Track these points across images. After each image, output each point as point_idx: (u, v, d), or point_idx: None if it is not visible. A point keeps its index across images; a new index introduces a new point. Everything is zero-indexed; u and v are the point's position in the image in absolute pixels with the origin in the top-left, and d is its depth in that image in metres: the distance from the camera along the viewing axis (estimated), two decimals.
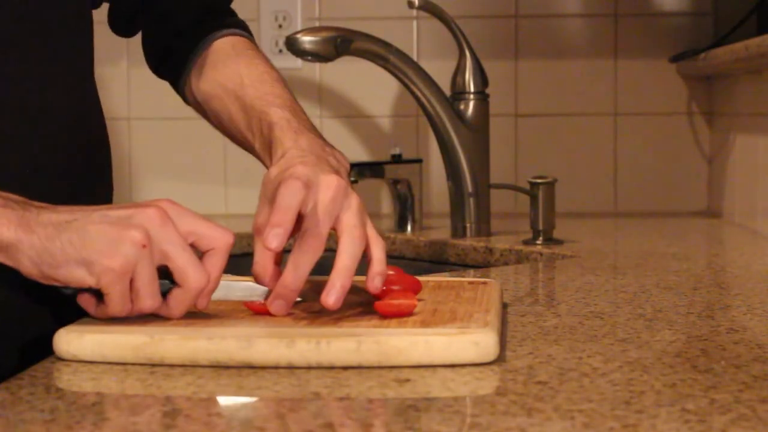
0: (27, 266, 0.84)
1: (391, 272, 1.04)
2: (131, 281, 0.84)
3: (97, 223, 0.84)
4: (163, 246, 0.85)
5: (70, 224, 0.84)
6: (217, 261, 0.88)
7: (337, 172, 0.96)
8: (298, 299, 0.94)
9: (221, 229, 0.88)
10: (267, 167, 1.05)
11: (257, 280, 0.96)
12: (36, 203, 0.86)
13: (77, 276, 0.84)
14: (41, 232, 0.83)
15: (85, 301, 0.87)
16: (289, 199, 0.91)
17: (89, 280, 0.84)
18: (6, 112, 0.95)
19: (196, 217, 0.88)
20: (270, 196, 0.95)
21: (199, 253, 0.89)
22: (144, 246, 0.83)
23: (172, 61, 1.20)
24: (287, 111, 1.06)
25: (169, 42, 1.19)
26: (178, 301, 0.87)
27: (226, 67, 1.15)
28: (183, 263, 0.85)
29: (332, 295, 0.90)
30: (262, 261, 0.95)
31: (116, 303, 0.85)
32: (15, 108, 0.96)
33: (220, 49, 1.17)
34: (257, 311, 0.94)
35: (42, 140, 0.98)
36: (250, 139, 1.09)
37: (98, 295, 0.86)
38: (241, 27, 1.22)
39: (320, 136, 1.06)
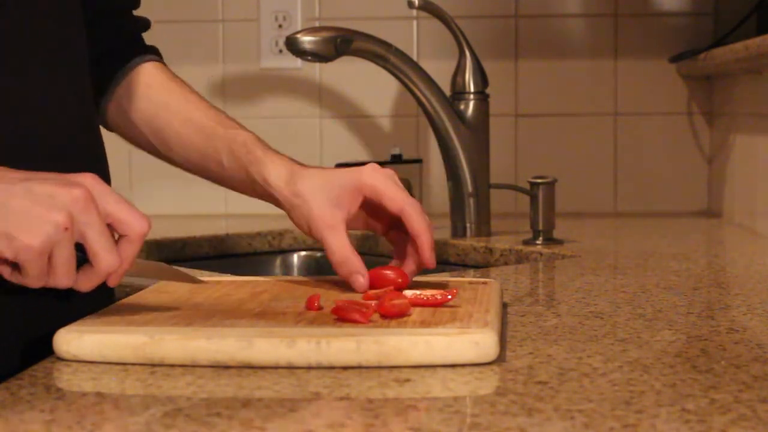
0: None
1: (389, 272, 1.04)
2: (49, 258, 0.85)
3: (20, 198, 0.83)
4: (82, 228, 0.85)
5: None
6: (130, 247, 0.89)
7: None
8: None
9: (139, 216, 0.89)
10: (230, 178, 1.15)
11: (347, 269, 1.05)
12: None
13: None
14: None
15: (1, 266, 0.86)
16: (426, 222, 1.06)
17: (7, 253, 0.83)
18: (7, 114, 0.96)
19: (117, 199, 0.88)
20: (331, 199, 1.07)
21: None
22: (66, 229, 0.83)
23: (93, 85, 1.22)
24: (248, 132, 1.15)
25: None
26: (88, 279, 0.88)
27: (163, 89, 1.20)
28: (98, 248, 0.86)
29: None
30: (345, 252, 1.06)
31: (32, 277, 0.85)
32: (15, 110, 0.96)
33: (149, 73, 1.21)
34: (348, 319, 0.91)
35: (41, 134, 0.99)
36: (213, 155, 1.15)
37: (13, 263, 0.86)
38: (156, 53, 1.25)
39: None
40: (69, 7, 1.05)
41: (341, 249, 1.05)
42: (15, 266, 0.86)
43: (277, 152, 1.13)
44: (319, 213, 1.07)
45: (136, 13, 1.25)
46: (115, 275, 0.89)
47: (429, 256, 1.05)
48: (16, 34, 0.97)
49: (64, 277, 0.85)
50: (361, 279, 1.04)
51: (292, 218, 1.10)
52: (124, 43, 1.22)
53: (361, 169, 1.08)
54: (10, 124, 0.96)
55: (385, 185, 1.07)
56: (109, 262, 0.86)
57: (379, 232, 1.12)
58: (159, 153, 1.21)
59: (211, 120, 1.17)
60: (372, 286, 1.04)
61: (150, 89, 1.19)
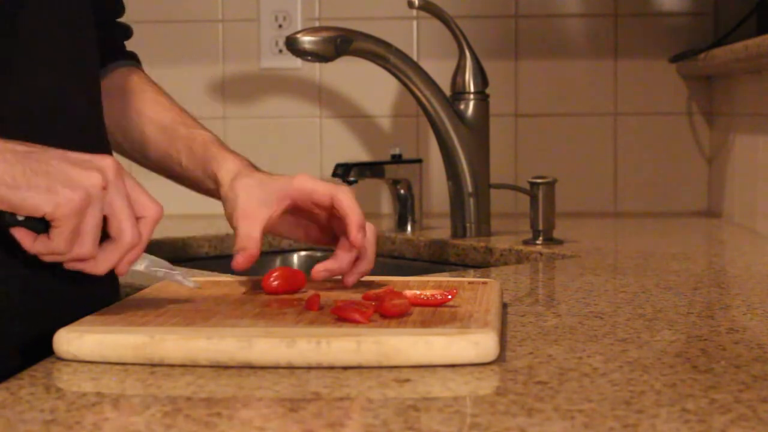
0: None
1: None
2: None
3: (58, 159, 0.86)
4: (113, 196, 0.87)
5: (30, 154, 0.85)
6: (146, 228, 0.91)
7: None
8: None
9: (154, 200, 0.92)
10: (189, 177, 1.17)
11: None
12: None
13: (34, 202, 0.84)
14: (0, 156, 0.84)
15: (22, 235, 0.87)
16: (356, 204, 1.06)
17: (45, 208, 0.84)
18: (17, 113, 0.96)
19: (135, 182, 0.92)
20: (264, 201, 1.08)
21: None
22: (103, 188, 0.86)
23: None
24: (210, 133, 1.18)
25: None
26: (108, 256, 0.89)
27: (135, 94, 1.21)
28: (125, 217, 0.88)
29: (353, 276, 1.06)
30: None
31: (62, 239, 0.86)
32: (26, 109, 0.97)
33: (124, 78, 1.22)
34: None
35: (51, 139, 0.99)
36: (174, 155, 1.17)
37: (35, 231, 0.87)
38: (135, 59, 1.27)
39: None
40: (81, 10, 1.05)
41: (248, 232, 1.07)
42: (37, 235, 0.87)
43: (233, 152, 1.15)
44: (243, 207, 1.08)
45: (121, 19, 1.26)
46: (129, 258, 0.90)
47: (355, 235, 1.04)
48: (27, 36, 0.97)
49: (89, 244, 0.86)
50: (240, 258, 1.07)
51: (224, 209, 1.12)
52: (105, 51, 1.21)
53: (294, 175, 1.09)
54: (19, 123, 0.96)
55: (313, 184, 1.08)
56: (132, 235, 0.88)
57: (323, 242, 1.13)
58: (130, 155, 1.23)
59: (175, 121, 1.18)
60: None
61: (122, 93, 1.20)
